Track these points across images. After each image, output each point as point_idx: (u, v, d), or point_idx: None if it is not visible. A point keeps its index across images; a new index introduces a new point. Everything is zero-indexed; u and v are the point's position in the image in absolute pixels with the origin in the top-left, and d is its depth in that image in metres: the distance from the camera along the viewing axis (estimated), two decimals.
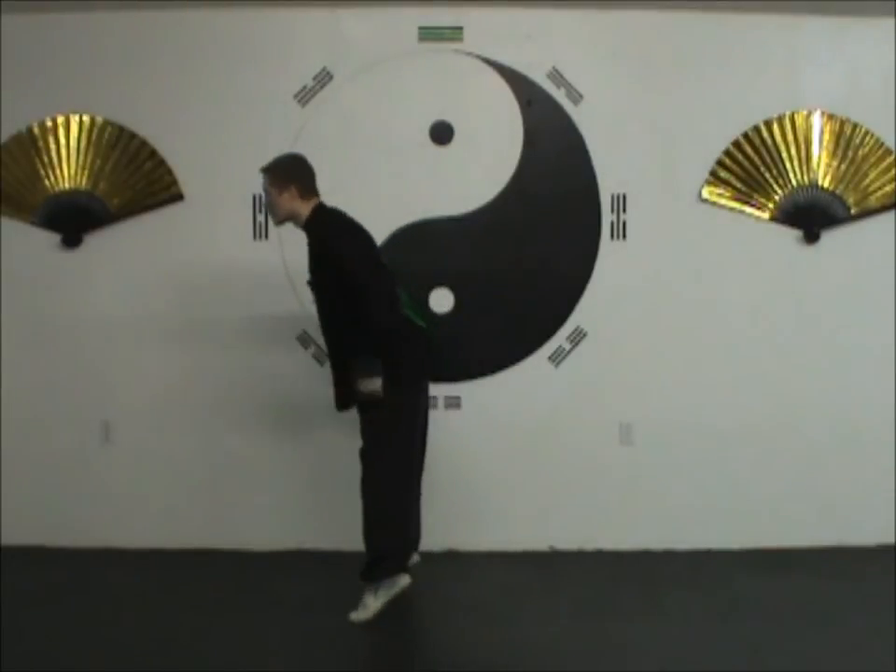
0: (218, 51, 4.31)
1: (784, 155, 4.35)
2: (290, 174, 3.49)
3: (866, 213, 4.38)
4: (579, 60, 4.34)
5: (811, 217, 4.38)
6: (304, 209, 3.50)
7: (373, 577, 3.47)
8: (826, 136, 4.36)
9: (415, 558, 3.76)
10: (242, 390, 4.33)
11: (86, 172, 4.31)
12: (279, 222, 3.58)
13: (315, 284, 3.51)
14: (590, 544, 4.35)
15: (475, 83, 4.32)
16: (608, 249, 4.38)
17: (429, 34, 4.32)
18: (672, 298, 4.37)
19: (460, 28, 4.32)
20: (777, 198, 4.38)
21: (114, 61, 4.30)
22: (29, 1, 4.13)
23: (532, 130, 4.34)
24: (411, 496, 3.59)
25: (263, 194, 3.58)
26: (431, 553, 3.99)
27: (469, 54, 4.32)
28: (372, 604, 3.46)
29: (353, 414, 3.54)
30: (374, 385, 3.34)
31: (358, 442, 3.51)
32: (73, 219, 4.32)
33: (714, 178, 4.36)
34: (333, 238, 3.44)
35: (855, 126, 4.35)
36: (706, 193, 4.37)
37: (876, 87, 4.37)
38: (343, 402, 3.53)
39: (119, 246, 4.35)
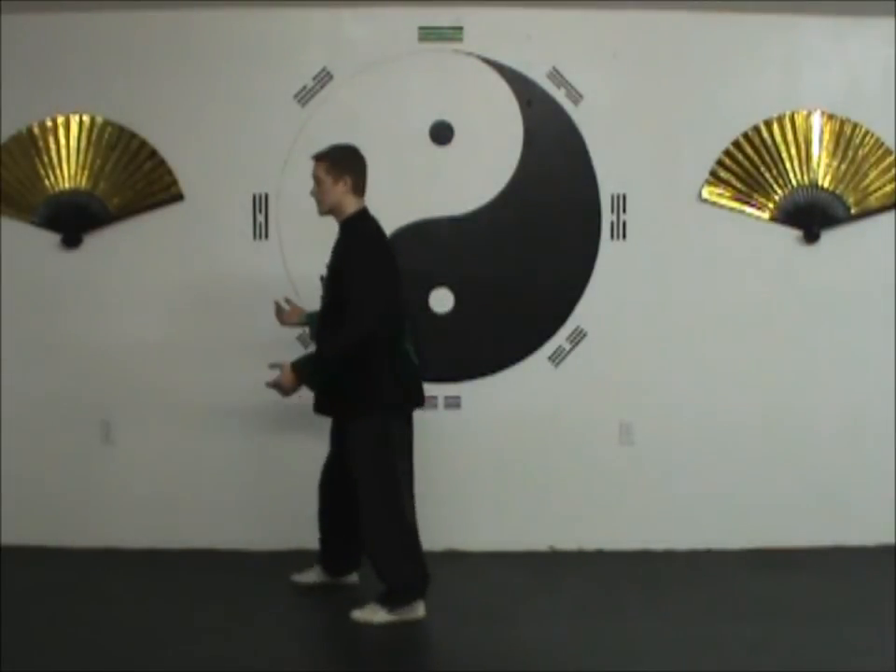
0: (218, 51, 4.32)
1: (784, 155, 4.35)
2: (348, 164, 3.45)
3: (866, 213, 4.38)
4: (579, 60, 4.34)
5: (811, 216, 4.37)
6: (350, 205, 3.45)
7: (392, 604, 3.40)
8: (826, 136, 4.36)
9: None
10: (241, 390, 4.32)
11: (86, 172, 4.31)
12: (323, 212, 3.50)
13: (327, 280, 3.49)
14: (590, 544, 4.35)
15: (475, 83, 4.32)
16: (608, 249, 4.38)
17: (429, 34, 4.32)
18: (672, 298, 4.37)
19: (460, 28, 4.32)
20: (776, 198, 4.38)
21: (114, 61, 4.29)
22: (29, 1, 4.13)
23: (532, 130, 4.34)
24: (409, 517, 3.48)
25: (313, 181, 3.47)
26: (431, 552, 3.97)
27: (469, 54, 4.32)
28: (381, 615, 3.39)
29: None
30: (283, 378, 3.37)
31: None
32: (73, 219, 4.31)
33: (714, 178, 4.36)
34: (363, 249, 3.39)
35: (855, 126, 4.35)
36: (706, 193, 4.37)
37: (876, 87, 4.37)
38: (317, 406, 3.52)
39: (119, 246, 4.34)
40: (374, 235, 3.46)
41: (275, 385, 3.42)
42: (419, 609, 3.43)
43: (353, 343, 3.30)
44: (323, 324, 3.50)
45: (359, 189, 3.46)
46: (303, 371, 3.40)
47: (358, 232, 3.44)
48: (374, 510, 3.41)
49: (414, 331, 3.62)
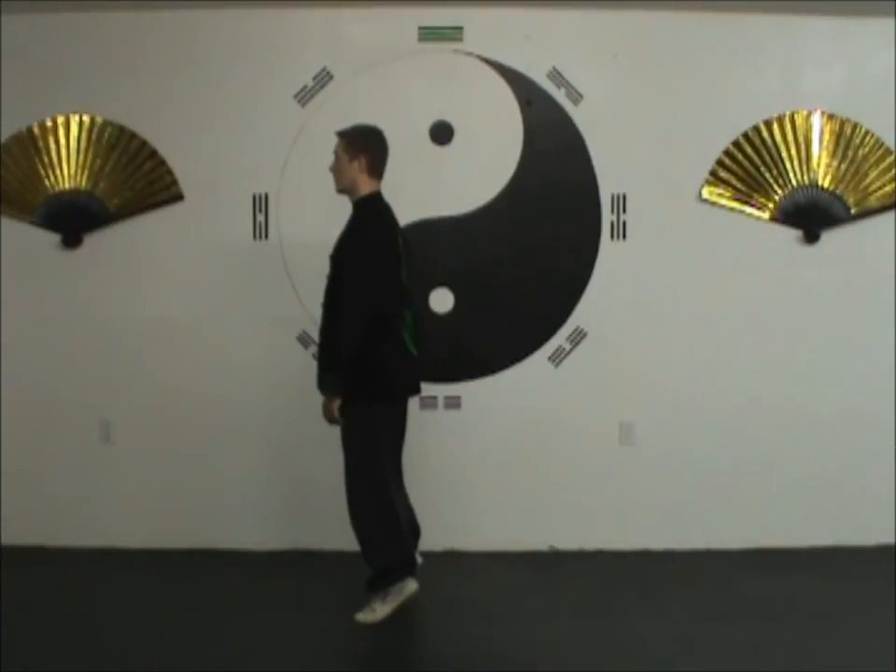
0: (218, 51, 4.31)
1: (784, 155, 4.36)
2: (364, 144, 3.46)
3: (866, 213, 4.38)
4: (579, 60, 4.34)
5: (811, 217, 4.37)
6: (364, 186, 3.46)
7: (380, 587, 3.45)
8: (826, 136, 4.36)
9: (418, 560, 3.76)
10: (241, 390, 4.33)
11: (86, 172, 4.31)
12: (339, 190, 3.53)
13: (333, 258, 3.47)
14: (590, 544, 4.35)
15: (475, 83, 4.32)
16: (608, 249, 4.38)
17: (429, 34, 4.32)
18: (672, 298, 4.37)
19: (460, 28, 4.32)
20: (776, 198, 4.38)
21: (114, 61, 4.30)
22: (29, 1, 4.13)
23: (532, 130, 4.33)
24: (394, 502, 3.49)
25: (333, 157, 3.51)
26: (431, 552, 3.98)
27: (469, 54, 4.32)
28: (380, 609, 3.43)
29: None
30: (331, 409, 3.33)
31: None
32: (73, 219, 4.32)
33: (714, 178, 4.36)
34: (361, 231, 3.39)
35: (855, 126, 4.35)
36: (706, 193, 4.37)
37: (876, 87, 4.37)
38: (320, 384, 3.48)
39: (119, 246, 4.34)
40: (377, 218, 3.45)
41: (330, 419, 3.40)
42: (411, 586, 3.47)
43: (352, 332, 3.29)
44: (328, 310, 3.45)
45: (375, 170, 3.48)
46: (329, 387, 3.37)
47: (363, 214, 3.45)
48: (357, 493, 3.44)
49: (416, 320, 3.61)
